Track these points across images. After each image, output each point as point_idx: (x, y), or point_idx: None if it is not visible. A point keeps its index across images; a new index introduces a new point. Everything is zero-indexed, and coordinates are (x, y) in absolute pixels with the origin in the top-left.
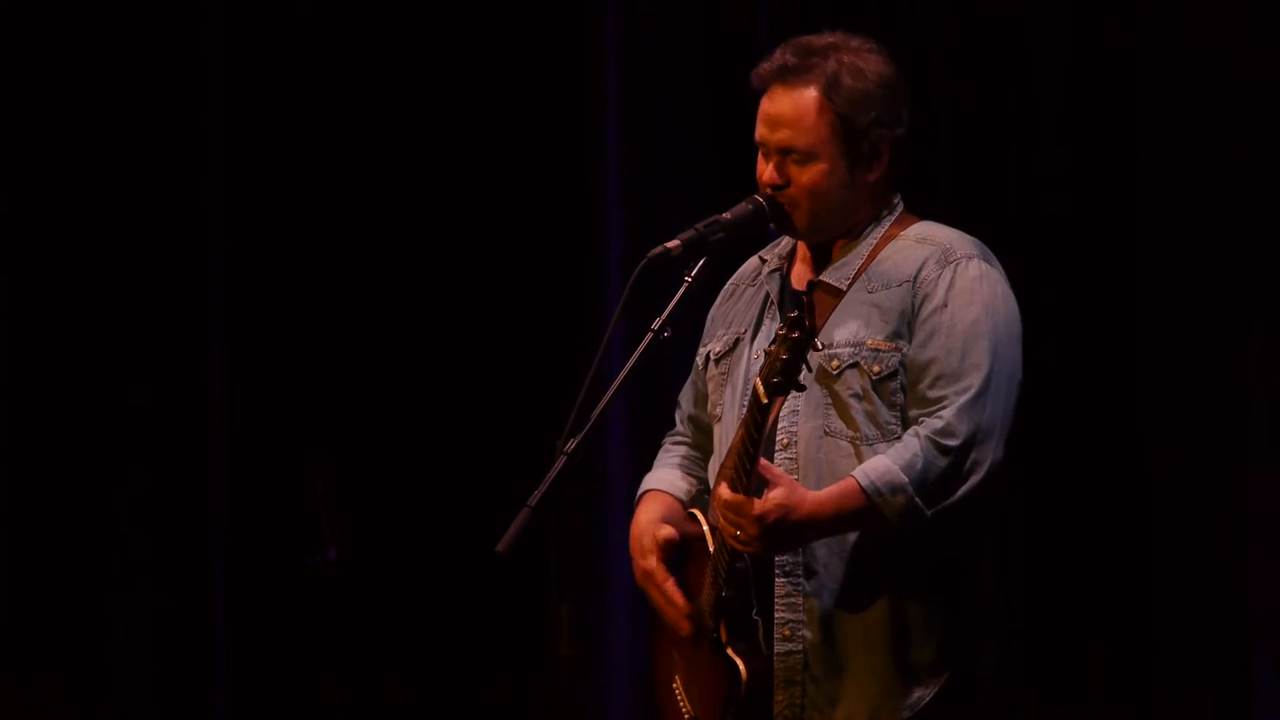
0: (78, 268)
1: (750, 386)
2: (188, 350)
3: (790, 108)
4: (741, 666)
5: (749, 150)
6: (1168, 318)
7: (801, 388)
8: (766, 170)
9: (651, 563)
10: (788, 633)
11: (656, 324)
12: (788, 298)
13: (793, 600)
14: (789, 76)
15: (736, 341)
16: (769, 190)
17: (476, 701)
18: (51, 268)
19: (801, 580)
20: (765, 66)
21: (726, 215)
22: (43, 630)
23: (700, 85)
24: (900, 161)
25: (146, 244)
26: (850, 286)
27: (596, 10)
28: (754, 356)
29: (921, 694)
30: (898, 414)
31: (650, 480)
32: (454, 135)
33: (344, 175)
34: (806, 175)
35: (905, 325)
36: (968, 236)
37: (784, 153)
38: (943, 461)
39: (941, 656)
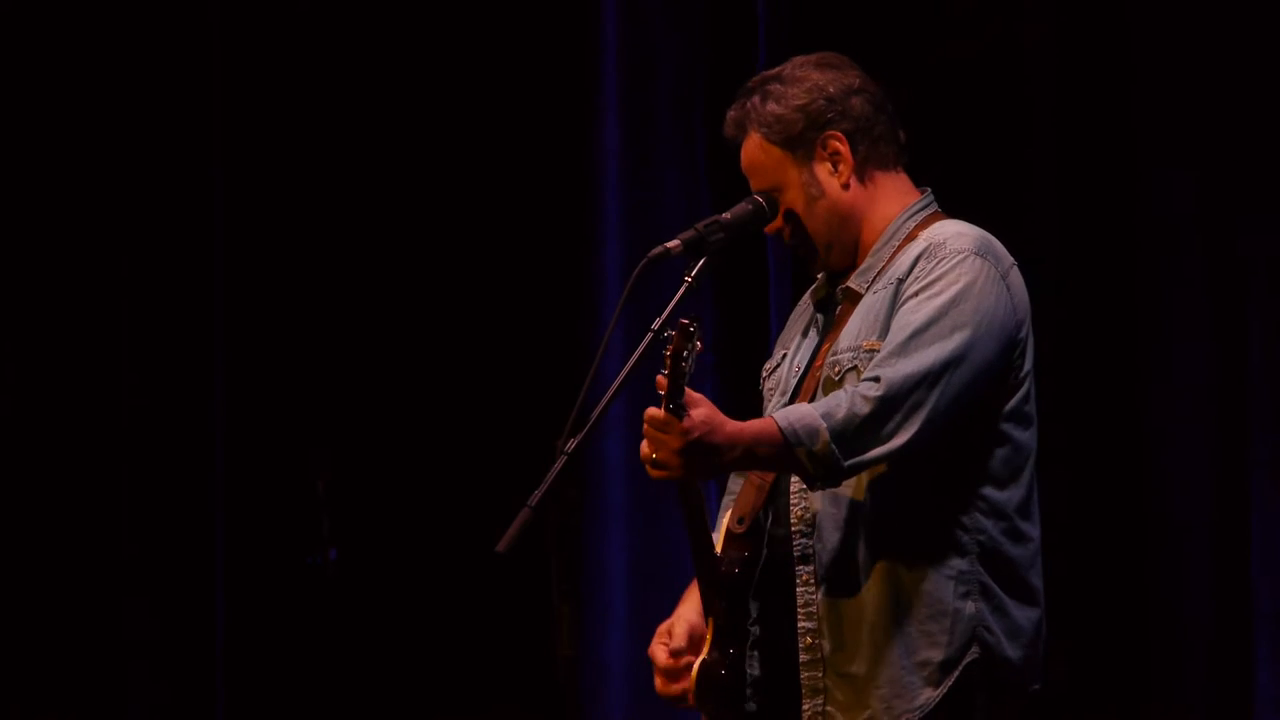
0: (79, 268)
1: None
2: (189, 351)
3: (746, 158)
4: None
5: None
6: (1166, 316)
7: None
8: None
9: (655, 648)
10: (809, 641)
11: (656, 324)
12: (826, 306)
13: (810, 609)
14: (734, 130)
15: (783, 357)
16: (788, 239)
17: (477, 702)
18: (53, 268)
19: (816, 588)
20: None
21: (726, 215)
22: (44, 630)
23: (700, 85)
24: (894, 151)
25: (148, 245)
26: (868, 289)
27: (595, 9)
28: (794, 369)
29: (931, 694)
30: None
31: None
32: (453, 136)
33: (344, 177)
34: (784, 206)
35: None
36: (973, 233)
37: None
38: (864, 409)
39: (950, 657)
